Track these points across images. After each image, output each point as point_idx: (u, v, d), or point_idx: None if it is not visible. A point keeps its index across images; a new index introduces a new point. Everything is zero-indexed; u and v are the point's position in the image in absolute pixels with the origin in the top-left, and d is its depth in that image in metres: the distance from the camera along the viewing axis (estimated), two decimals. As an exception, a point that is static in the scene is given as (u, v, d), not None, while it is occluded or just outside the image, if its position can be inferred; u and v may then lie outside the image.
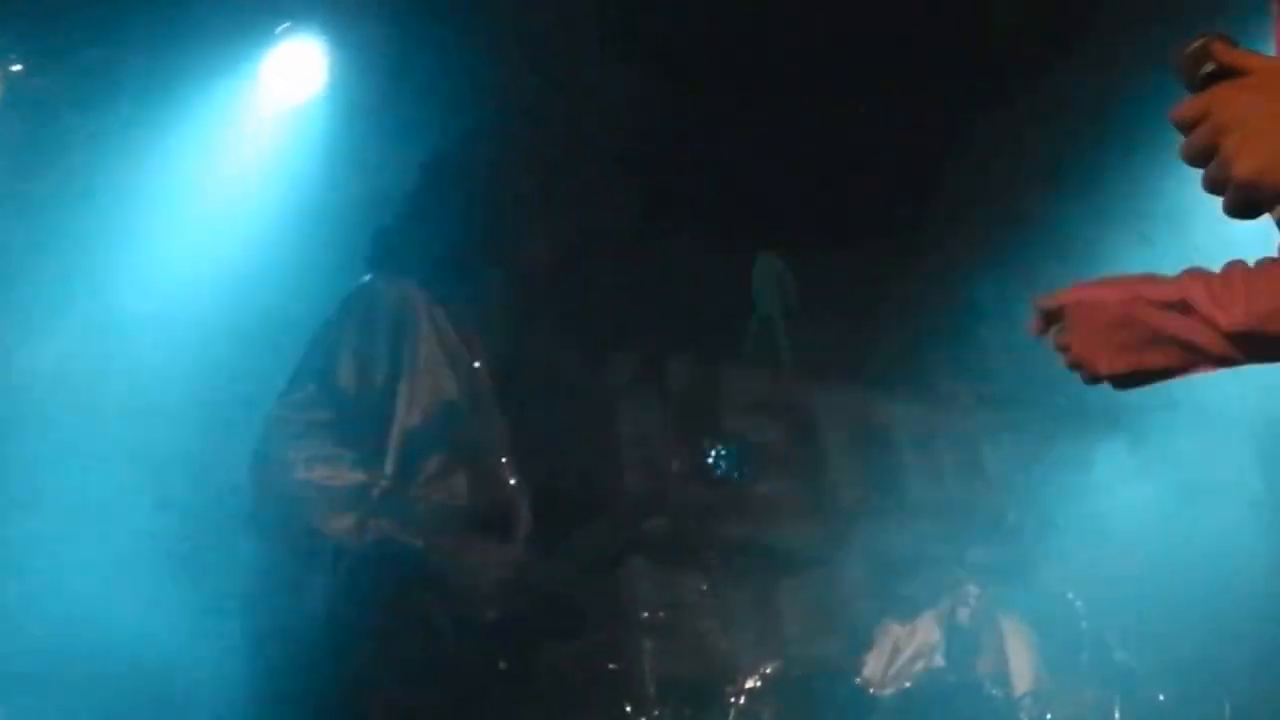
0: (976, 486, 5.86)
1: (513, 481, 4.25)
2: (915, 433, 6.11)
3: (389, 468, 4.07)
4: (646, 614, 5.06)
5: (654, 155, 5.45)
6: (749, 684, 4.94)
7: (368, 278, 4.22)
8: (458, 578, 4.08)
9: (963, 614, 5.23)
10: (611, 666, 5.00)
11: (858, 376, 6.16)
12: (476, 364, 4.27)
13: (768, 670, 4.97)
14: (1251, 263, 2.10)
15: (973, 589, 5.25)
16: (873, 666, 5.13)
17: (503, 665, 4.14)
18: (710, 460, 4.92)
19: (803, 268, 6.02)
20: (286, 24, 4.88)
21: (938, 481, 5.98)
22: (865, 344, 6.02)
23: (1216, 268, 2.15)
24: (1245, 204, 1.73)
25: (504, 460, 4.26)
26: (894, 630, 5.22)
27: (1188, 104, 1.76)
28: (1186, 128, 1.76)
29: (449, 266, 4.26)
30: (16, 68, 4.61)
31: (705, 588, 5.24)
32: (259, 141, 4.98)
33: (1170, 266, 5.55)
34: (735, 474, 4.90)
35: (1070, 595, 5.18)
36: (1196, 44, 1.76)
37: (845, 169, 5.64)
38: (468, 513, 4.16)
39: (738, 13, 5.35)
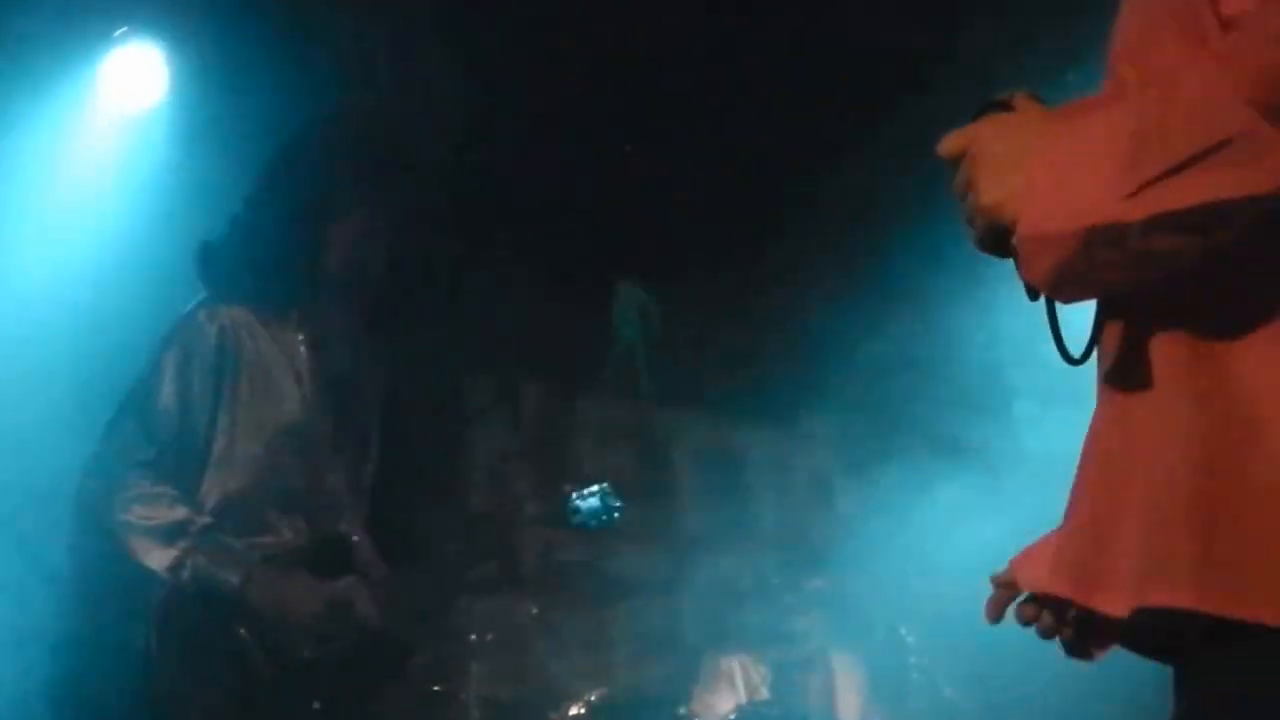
0: (819, 518, 5.88)
1: (347, 513, 4.20)
2: (764, 463, 6.12)
3: (210, 503, 4.06)
4: (475, 636, 5.04)
5: (505, 176, 5.45)
6: (573, 710, 4.93)
7: (190, 306, 4.17)
8: (277, 614, 4.03)
9: (794, 648, 5.23)
10: (436, 688, 4.97)
11: (711, 406, 6.17)
12: (308, 388, 4.21)
13: (592, 697, 4.96)
14: None
15: (806, 622, 5.25)
16: (699, 697, 5.11)
17: (316, 705, 4.10)
18: (575, 505, 4.79)
19: (664, 298, 6.03)
20: (124, 28, 4.81)
21: (782, 512, 5.99)
22: (720, 374, 6.03)
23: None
24: (989, 234, 1.80)
25: (337, 490, 4.21)
26: (724, 661, 5.21)
27: (948, 137, 1.85)
28: (949, 162, 1.84)
29: (276, 284, 4.20)
30: None
31: (537, 611, 5.23)
32: (97, 151, 4.90)
33: (1002, 307, 5.56)
34: (604, 519, 4.77)
35: (902, 631, 5.19)
36: (1003, 95, 1.87)
37: (705, 199, 5.67)
38: (293, 546, 4.14)
39: (603, 41, 5.37)
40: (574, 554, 5.48)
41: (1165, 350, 1.75)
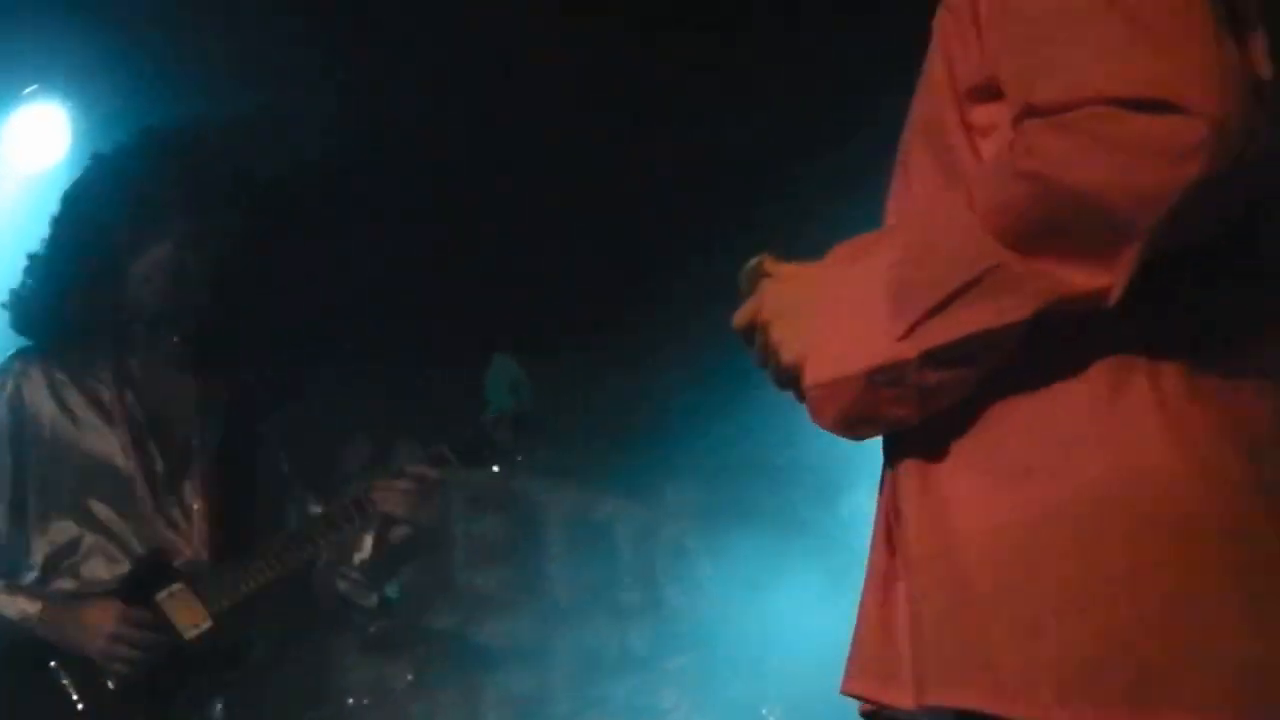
0: (683, 591, 5.96)
1: (176, 554, 4.10)
2: (630, 534, 6.20)
3: (36, 559, 4.03)
4: (352, 700, 5.09)
5: (367, 240, 5.47)
6: (447, 775, 4.99)
7: None
8: (74, 639, 3.94)
9: (659, 720, 5.31)
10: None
11: (579, 476, 6.24)
12: (119, 430, 4.12)
13: (465, 764, 5.02)
14: None
15: (672, 696, 5.34)
16: (568, 767, 5.19)
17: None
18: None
19: (535, 368, 6.09)
20: (34, 86, 4.80)
21: (648, 584, 6.07)
22: (588, 445, 6.11)
23: None
24: (798, 391, 1.92)
25: (163, 531, 4.11)
26: (592, 733, 5.29)
27: (740, 310, 2.00)
28: (744, 334, 1.99)
29: (78, 325, 4.13)
30: None
31: (411, 678, 5.28)
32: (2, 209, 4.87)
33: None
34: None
35: (764, 711, 5.30)
36: (753, 262, 1.99)
37: (580, 274, 5.76)
38: (105, 587, 4.04)
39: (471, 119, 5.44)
40: (444, 620, 5.54)
41: (907, 464, 1.91)
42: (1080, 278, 1.72)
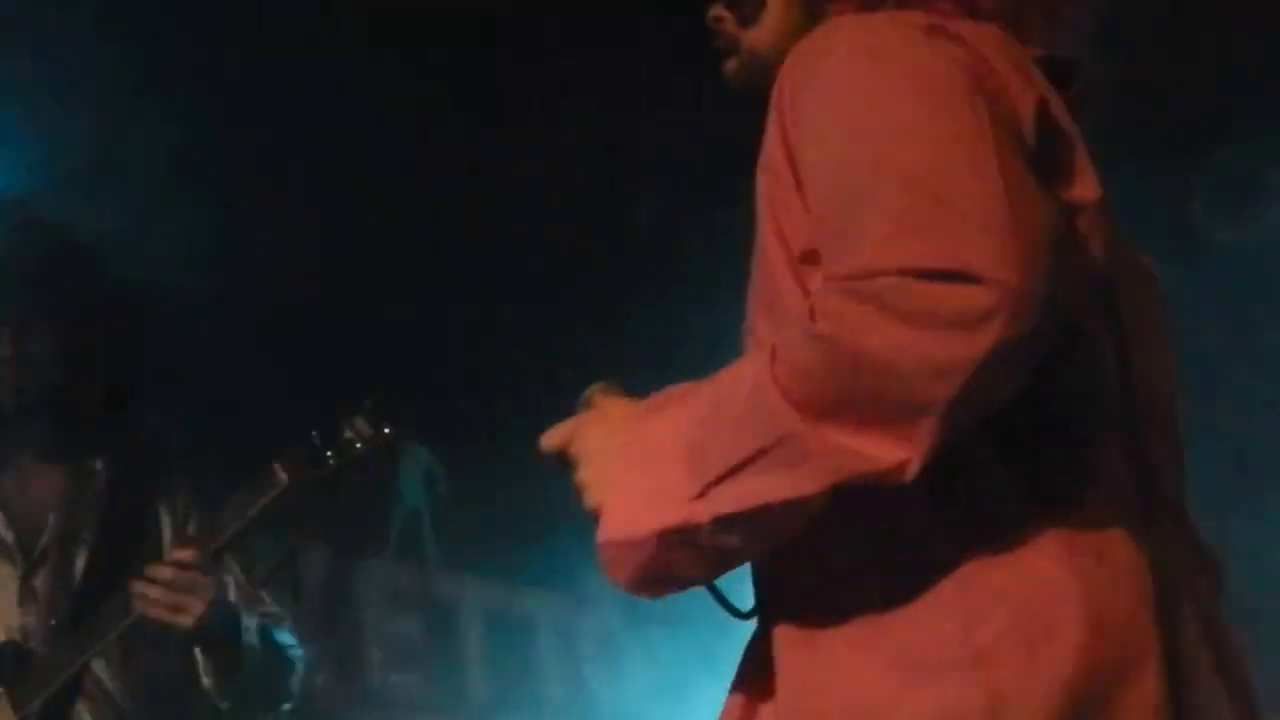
0: (605, 685, 5.90)
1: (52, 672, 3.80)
2: (550, 626, 6.13)
3: None
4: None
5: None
6: None
7: None
8: None
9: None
10: None
11: (496, 570, 6.17)
12: None
13: None
14: None
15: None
16: None
17: None
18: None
19: (448, 462, 6.02)
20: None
21: (569, 677, 6.00)
22: (504, 537, 6.04)
23: None
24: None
25: (33, 642, 3.84)
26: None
27: (551, 433, 1.95)
28: (551, 455, 1.94)
29: None
30: None
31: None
32: None
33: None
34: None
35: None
36: (588, 391, 1.97)
37: (489, 368, 5.73)
38: None
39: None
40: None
41: (791, 617, 1.84)
42: (876, 450, 1.64)
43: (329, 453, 3.58)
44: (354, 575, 6.00)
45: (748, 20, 2.09)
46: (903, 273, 1.62)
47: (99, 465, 4.05)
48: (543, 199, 5.57)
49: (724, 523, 1.72)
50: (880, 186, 1.68)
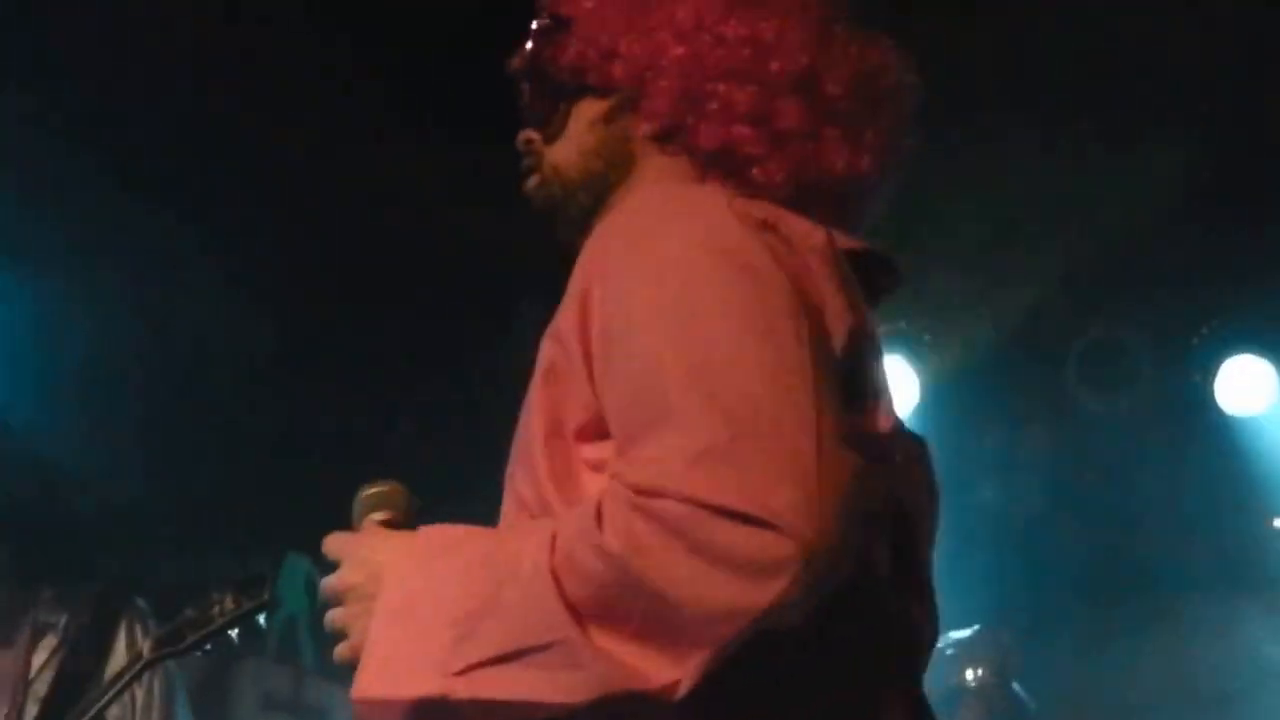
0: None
1: None
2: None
3: None
4: None
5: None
6: None
7: None
8: None
9: None
10: None
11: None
12: None
13: None
14: None
15: None
16: None
17: None
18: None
19: (327, 567, 6.06)
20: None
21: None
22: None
23: None
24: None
25: None
26: None
27: (327, 539, 1.92)
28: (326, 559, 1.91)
29: None
30: None
31: None
32: None
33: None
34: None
35: None
36: (366, 492, 1.95)
37: (368, 469, 5.78)
38: None
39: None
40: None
41: None
42: (649, 667, 1.61)
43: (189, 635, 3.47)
44: (231, 676, 6.00)
45: (552, 139, 2.16)
46: (697, 504, 1.58)
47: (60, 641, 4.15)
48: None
49: (484, 707, 1.67)
50: (690, 406, 1.63)
